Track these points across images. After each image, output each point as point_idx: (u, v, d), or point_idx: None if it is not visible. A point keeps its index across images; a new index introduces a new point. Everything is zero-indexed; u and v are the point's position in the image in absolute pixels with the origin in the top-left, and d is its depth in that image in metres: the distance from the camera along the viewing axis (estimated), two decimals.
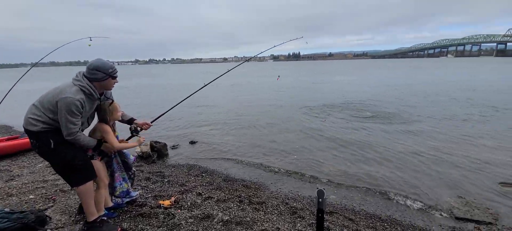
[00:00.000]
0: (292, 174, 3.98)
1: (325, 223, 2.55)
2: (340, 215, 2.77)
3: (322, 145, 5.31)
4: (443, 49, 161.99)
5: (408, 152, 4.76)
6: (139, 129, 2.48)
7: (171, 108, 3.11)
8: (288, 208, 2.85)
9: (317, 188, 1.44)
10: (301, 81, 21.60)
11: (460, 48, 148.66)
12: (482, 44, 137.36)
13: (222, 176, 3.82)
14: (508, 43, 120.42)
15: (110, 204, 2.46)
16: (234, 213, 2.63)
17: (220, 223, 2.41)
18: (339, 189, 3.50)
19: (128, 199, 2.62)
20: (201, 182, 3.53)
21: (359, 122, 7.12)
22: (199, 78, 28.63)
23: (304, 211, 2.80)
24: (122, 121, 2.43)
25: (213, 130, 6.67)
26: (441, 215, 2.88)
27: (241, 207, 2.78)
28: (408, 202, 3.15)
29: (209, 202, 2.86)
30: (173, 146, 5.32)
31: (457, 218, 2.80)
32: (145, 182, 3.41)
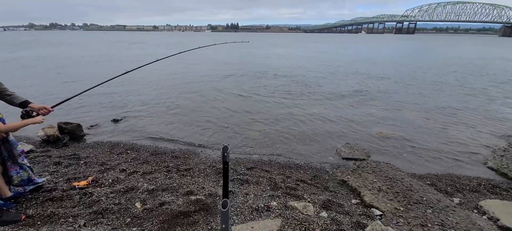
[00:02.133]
0: (221, 144, 4.27)
1: (245, 177, 2.98)
2: (258, 168, 3.25)
3: (251, 118, 5.75)
4: (358, 26, 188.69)
5: (315, 117, 5.73)
6: (35, 113, 2.11)
7: (83, 92, 2.64)
8: (214, 170, 3.14)
9: (223, 145, 1.69)
10: (243, 54, 21.66)
11: (371, 26, 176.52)
12: (386, 23, 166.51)
13: (149, 150, 3.76)
14: (404, 22, 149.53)
15: (9, 194, 2.17)
16: (161, 181, 2.74)
17: (146, 193, 2.49)
18: (261, 150, 4.01)
19: (32, 186, 2.35)
20: (125, 158, 3.41)
21: (283, 97, 7.93)
22: (123, 49, 24.81)
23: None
24: (12, 103, 2.07)
25: (143, 107, 6.22)
26: (332, 157, 3.75)
27: (169, 176, 2.91)
28: (310, 152, 3.93)
29: (134, 176, 2.86)
30: (91, 126, 4.77)
31: (343, 158, 3.72)
32: (55, 166, 3.06)
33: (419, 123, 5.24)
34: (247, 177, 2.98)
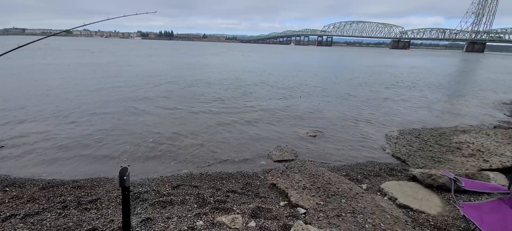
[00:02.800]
0: (144, 159, 3.75)
1: (168, 197, 2.64)
2: (186, 185, 2.96)
3: (180, 130, 5.35)
4: (288, 38, 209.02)
5: (248, 124, 5.83)
6: None
7: None
8: (132, 195, 2.67)
9: (121, 166, 1.38)
10: (176, 64, 20.35)
11: (298, 38, 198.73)
12: (309, 36, 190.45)
13: (40, 184, 2.93)
14: (323, 36, 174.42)
15: None
16: (50, 223, 2.12)
17: None
18: (191, 164, 3.71)
19: None
20: (1, 199, 2.53)
21: (215, 106, 7.80)
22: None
23: (149, 194, 2.74)
24: None
25: (31, 125, 4.91)
26: (264, 162, 3.80)
27: (63, 214, 2.29)
28: (243, 159, 3.89)
29: (10, 222, 2.12)
30: None
31: (275, 161, 3.81)
32: None
33: (336, 121, 5.97)
34: (171, 197, 2.65)
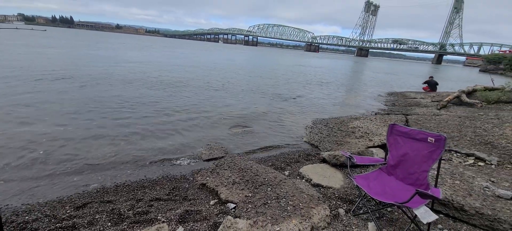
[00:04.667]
0: (32, 179, 2.90)
1: (70, 221, 2.14)
2: (95, 202, 2.48)
3: (89, 135, 4.44)
4: (216, 36, 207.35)
5: (169, 123, 5.47)
6: None
7: None
8: (13, 226, 2.01)
9: None
10: (82, 56, 16.49)
11: (226, 36, 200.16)
12: (237, 35, 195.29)
13: None
14: (250, 36, 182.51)
15: None
16: None
17: None
18: (103, 175, 3.13)
19: None
20: None
21: (134, 106, 6.93)
22: None
23: (40, 221, 2.14)
24: None
25: None
26: (193, 162, 3.64)
27: None
28: (169, 162, 3.61)
29: None
30: None
31: (204, 160, 3.71)
32: None
33: (263, 116, 6.38)
34: (74, 220, 2.16)
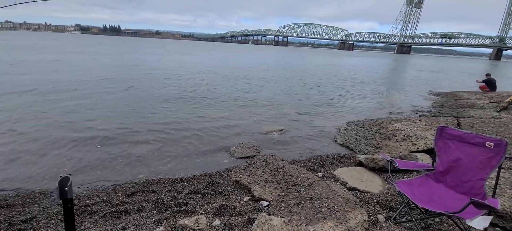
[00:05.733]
0: (91, 167, 3.34)
1: (122, 206, 2.42)
2: (142, 191, 2.76)
3: (134, 131, 4.92)
4: (246, 38, 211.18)
5: (210, 122, 5.73)
6: None
7: None
8: (76, 208, 2.36)
9: (61, 176, 1.21)
10: (129, 60, 18.43)
11: (256, 37, 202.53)
12: (267, 36, 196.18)
13: None
14: (280, 37, 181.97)
15: None
16: None
17: None
18: (148, 168, 3.46)
19: None
20: None
21: (175, 104, 7.44)
22: None
23: (98, 205, 2.46)
24: None
25: None
26: (227, 160, 3.79)
27: None
28: (205, 159, 3.82)
29: None
30: None
31: (237, 158, 3.84)
32: None
33: (294, 117, 6.32)
34: (125, 206, 2.43)
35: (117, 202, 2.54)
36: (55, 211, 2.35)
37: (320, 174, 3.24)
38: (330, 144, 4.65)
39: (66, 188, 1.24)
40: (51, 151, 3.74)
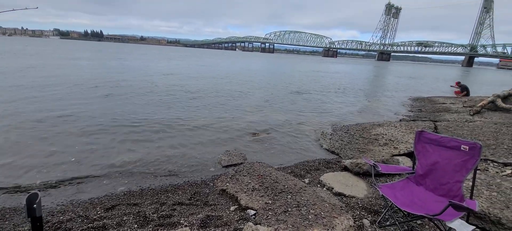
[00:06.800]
0: (66, 182, 3.13)
1: (100, 222, 2.27)
2: (122, 204, 2.62)
3: (117, 140, 4.71)
4: (233, 44, 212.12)
5: (196, 129, 5.63)
6: None
7: None
8: (49, 226, 2.18)
9: (28, 192, 1.10)
10: (111, 68, 17.73)
11: (243, 44, 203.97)
12: (254, 42, 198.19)
13: None
14: (266, 44, 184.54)
15: None
16: None
17: None
18: (130, 178, 3.30)
19: None
20: None
21: (158, 111, 7.25)
22: None
23: (74, 221, 2.29)
24: None
25: None
26: (213, 168, 3.71)
27: None
28: (191, 167, 3.71)
29: None
30: None
31: (224, 166, 3.77)
32: None
33: (281, 123, 6.35)
34: (104, 221, 2.29)
35: (95, 217, 2.38)
36: (26, 228, 2.17)
37: (307, 180, 3.25)
38: (317, 149, 4.70)
39: (35, 205, 1.14)
40: (22, 164, 3.47)
